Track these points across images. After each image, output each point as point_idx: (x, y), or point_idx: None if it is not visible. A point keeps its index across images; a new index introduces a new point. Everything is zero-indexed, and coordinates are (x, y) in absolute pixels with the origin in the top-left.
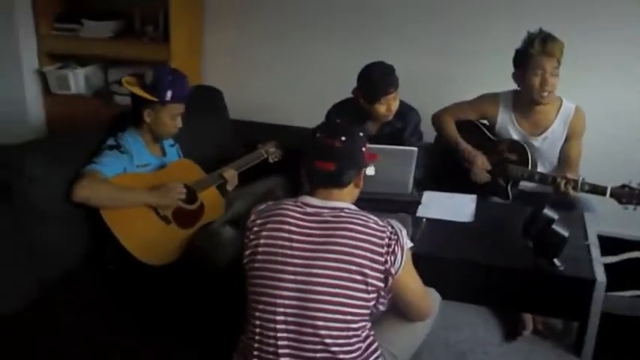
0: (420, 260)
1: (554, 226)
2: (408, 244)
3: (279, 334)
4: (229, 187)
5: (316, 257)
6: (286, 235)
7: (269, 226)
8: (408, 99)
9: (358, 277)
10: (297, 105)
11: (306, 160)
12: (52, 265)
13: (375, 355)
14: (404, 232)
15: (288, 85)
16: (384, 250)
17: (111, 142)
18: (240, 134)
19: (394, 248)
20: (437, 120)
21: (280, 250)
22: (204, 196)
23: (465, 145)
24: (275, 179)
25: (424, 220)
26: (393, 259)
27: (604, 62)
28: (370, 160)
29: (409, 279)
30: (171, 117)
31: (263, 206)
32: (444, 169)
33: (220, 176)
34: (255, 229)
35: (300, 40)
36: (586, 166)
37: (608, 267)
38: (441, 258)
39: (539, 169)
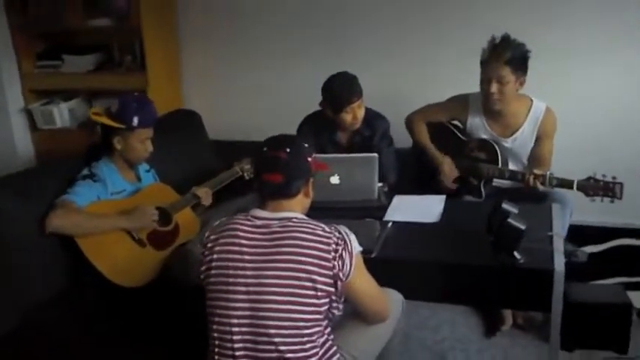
0: (385, 263)
1: (510, 220)
2: (357, 248)
3: (235, 345)
4: (205, 203)
5: (266, 267)
6: (237, 248)
7: (221, 241)
8: (385, 106)
9: (307, 284)
10: (276, 122)
11: (255, 174)
12: (31, 294)
13: (333, 359)
14: (352, 237)
15: (266, 102)
16: (331, 256)
17: (85, 172)
18: (221, 154)
19: (342, 253)
20: (409, 123)
21: (232, 264)
22: (179, 217)
23: (433, 152)
24: (251, 196)
25: (389, 224)
26: (341, 263)
27: (578, 57)
28: (318, 170)
29: (361, 282)
30: (141, 141)
31: (217, 222)
32: (420, 171)
33: (194, 195)
34: (209, 244)
35: (275, 58)
36: (567, 160)
37: (593, 256)
38: (406, 259)
39: (512, 168)
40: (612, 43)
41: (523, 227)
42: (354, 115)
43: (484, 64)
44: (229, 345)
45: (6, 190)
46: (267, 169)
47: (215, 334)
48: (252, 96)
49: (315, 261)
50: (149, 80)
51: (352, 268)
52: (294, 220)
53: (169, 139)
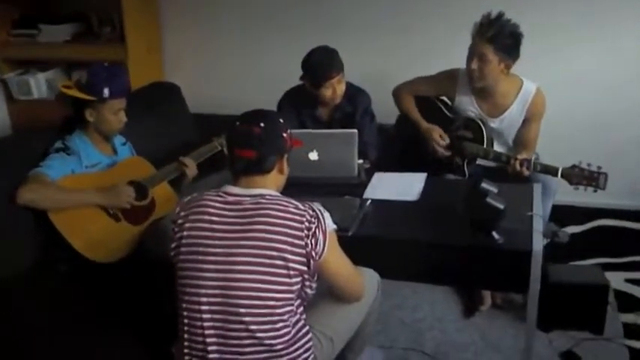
0: (362, 241)
1: (488, 199)
2: (330, 226)
3: (205, 324)
4: (189, 174)
5: (237, 245)
6: (207, 225)
7: (191, 217)
8: (369, 81)
9: (279, 262)
10: (258, 96)
11: (228, 149)
12: (2, 268)
13: (305, 339)
14: (326, 214)
15: (249, 77)
16: (303, 234)
17: (58, 144)
18: (202, 128)
19: (315, 231)
20: (396, 95)
21: (202, 241)
22: (156, 192)
23: (420, 121)
24: (227, 171)
25: (368, 201)
26: (314, 242)
27: (571, 36)
28: (294, 146)
29: (335, 261)
30: (114, 113)
31: (187, 198)
32: (403, 149)
33: (180, 164)
34: (179, 221)
35: (259, 32)
36: (554, 144)
37: (575, 236)
38: (383, 238)
39: (497, 148)
40: (598, 21)
41: (502, 207)
42: (333, 90)
43: (472, 40)
44: (199, 324)
45: None
46: (239, 144)
47: (185, 313)
48: (235, 69)
49: (287, 239)
50: (128, 52)
51: (326, 247)
52: (267, 197)
53: (147, 112)
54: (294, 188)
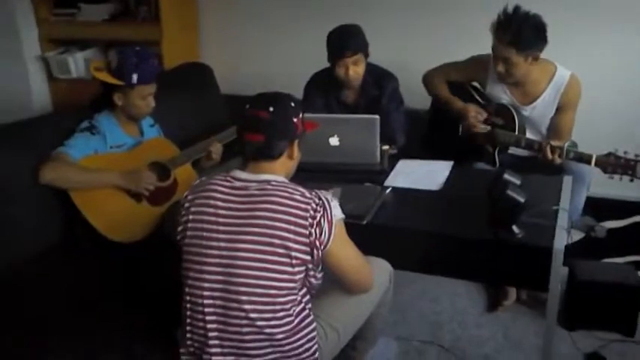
0: (377, 230)
1: (508, 191)
2: (337, 215)
3: (206, 309)
4: (215, 157)
5: (240, 232)
6: (212, 210)
7: (197, 201)
8: (399, 64)
9: (281, 251)
10: (291, 77)
11: (237, 133)
12: (24, 245)
13: (309, 329)
14: (333, 203)
15: (284, 58)
16: (307, 223)
17: (84, 124)
18: (233, 109)
19: (320, 220)
20: (427, 79)
21: (206, 226)
22: (178, 172)
23: (454, 101)
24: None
25: (388, 189)
26: (318, 231)
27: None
28: (308, 130)
29: (341, 251)
30: (142, 98)
31: (196, 182)
32: (435, 135)
33: (206, 147)
34: (186, 205)
35: (294, 12)
36: (589, 131)
37: (613, 232)
38: (398, 228)
39: (529, 137)
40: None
41: (522, 200)
42: (346, 70)
43: (494, 43)
44: (200, 309)
45: (1, 139)
46: (248, 129)
47: (187, 297)
48: (270, 49)
49: (291, 227)
50: (163, 32)
51: (331, 237)
52: (273, 182)
53: (179, 92)
54: (314, 173)
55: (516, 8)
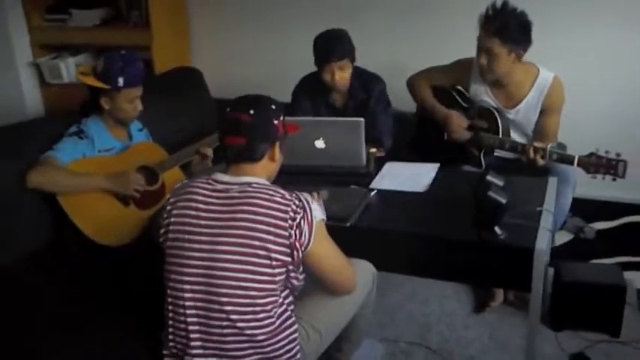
0: (361, 232)
1: (490, 193)
2: (317, 217)
3: (188, 311)
4: (208, 161)
5: (221, 234)
6: (194, 212)
7: (179, 204)
8: (386, 68)
9: (261, 252)
10: (282, 82)
11: (219, 136)
12: (12, 250)
13: (290, 330)
14: (314, 205)
15: (275, 62)
16: (287, 224)
17: (73, 128)
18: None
19: (300, 222)
20: (411, 84)
21: (188, 228)
22: (166, 177)
23: (437, 107)
24: None
25: (373, 192)
26: (298, 233)
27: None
28: (290, 132)
29: (322, 252)
30: (129, 101)
31: (179, 185)
32: (422, 138)
33: (194, 152)
34: (168, 207)
35: (283, 18)
36: (572, 131)
37: (602, 233)
38: (382, 230)
39: (516, 139)
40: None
41: (504, 201)
42: (332, 75)
43: (479, 33)
44: (182, 311)
45: None
46: (229, 132)
47: (169, 299)
48: (261, 54)
49: (271, 229)
50: (154, 37)
51: (312, 239)
52: (254, 185)
53: (169, 97)
54: (300, 176)
55: (504, 3)
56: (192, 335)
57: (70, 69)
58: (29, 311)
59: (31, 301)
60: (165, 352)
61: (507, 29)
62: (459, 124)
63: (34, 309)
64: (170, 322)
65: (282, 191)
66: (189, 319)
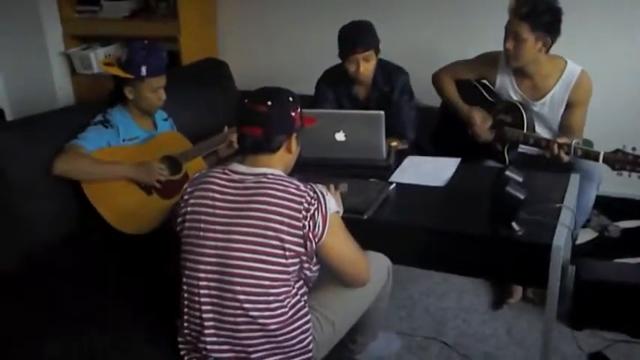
0: (378, 226)
1: (508, 188)
2: (331, 209)
3: (202, 299)
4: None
5: (235, 224)
6: (210, 202)
7: (196, 194)
8: (411, 60)
9: (275, 243)
10: (311, 73)
11: (236, 126)
12: (37, 236)
13: (303, 320)
14: (328, 197)
15: (301, 53)
16: (301, 215)
17: (98, 117)
18: None
19: (314, 213)
20: (436, 80)
21: (203, 217)
22: (190, 166)
23: (461, 105)
24: None
25: (392, 185)
26: (312, 224)
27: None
28: (307, 125)
29: (337, 244)
30: (152, 91)
31: (196, 174)
32: (446, 132)
33: (218, 142)
34: (186, 197)
35: (310, 9)
36: (599, 127)
37: (628, 231)
38: (398, 223)
39: (540, 134)
40: None
41: (522, 197)
42: (357, 66)
43: (509, 17)
44: (196, 299)
45: (17, 132)
46: (246, 122)
47: (185, 287)
48: (288, 46)
49: (285, 219)
50: (181, 28)
51: (325, 230)
52: (269, 176)
53: (194, 88)
54: (320, 168)
55: None
56: (206, 323)
57: (99, 59)
58: (48, 295)
59: (51, 286)
60: (180, 339)
61: (536, 13)
62: (481, 125)
63: (53, 293)
64: (185, 310)
65: (297, 182)
66: (203, 307)
